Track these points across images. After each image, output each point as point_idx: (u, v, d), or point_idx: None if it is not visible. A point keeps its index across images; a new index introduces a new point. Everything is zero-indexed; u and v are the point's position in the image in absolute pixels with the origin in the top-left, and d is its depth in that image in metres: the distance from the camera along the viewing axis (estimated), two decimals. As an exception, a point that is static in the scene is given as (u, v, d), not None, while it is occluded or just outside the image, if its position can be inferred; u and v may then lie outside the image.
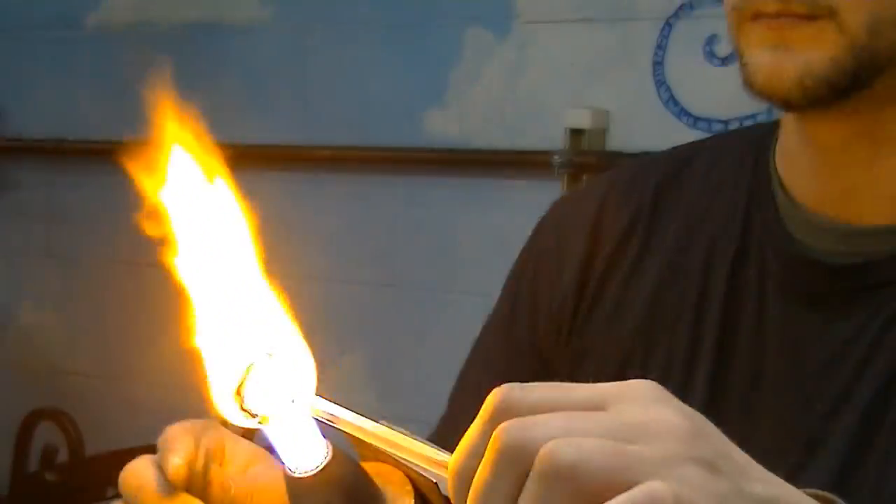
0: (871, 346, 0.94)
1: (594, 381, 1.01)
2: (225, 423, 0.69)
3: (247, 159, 2.95)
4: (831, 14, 0.89)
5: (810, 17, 0.90)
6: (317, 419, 0.68)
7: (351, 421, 0.68)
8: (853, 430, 0.93)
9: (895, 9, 0.90)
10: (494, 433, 0.59)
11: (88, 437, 2.47)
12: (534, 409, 0.60)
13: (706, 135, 1.92)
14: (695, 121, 2.41)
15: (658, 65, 2.46)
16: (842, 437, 0.93)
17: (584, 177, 2.44)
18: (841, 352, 0.95)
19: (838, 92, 0.91)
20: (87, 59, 3.13)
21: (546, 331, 1.09)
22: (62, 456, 2.37)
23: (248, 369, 0.67)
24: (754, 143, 1.06)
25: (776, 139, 1.04)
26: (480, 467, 0.59)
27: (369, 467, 0.76)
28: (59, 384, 3.21)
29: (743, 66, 0.94)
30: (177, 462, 0.78)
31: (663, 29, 2.47)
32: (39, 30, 3.22)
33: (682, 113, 2.43)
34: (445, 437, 1.02)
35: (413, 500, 0.75)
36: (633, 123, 2.48)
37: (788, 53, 0.90)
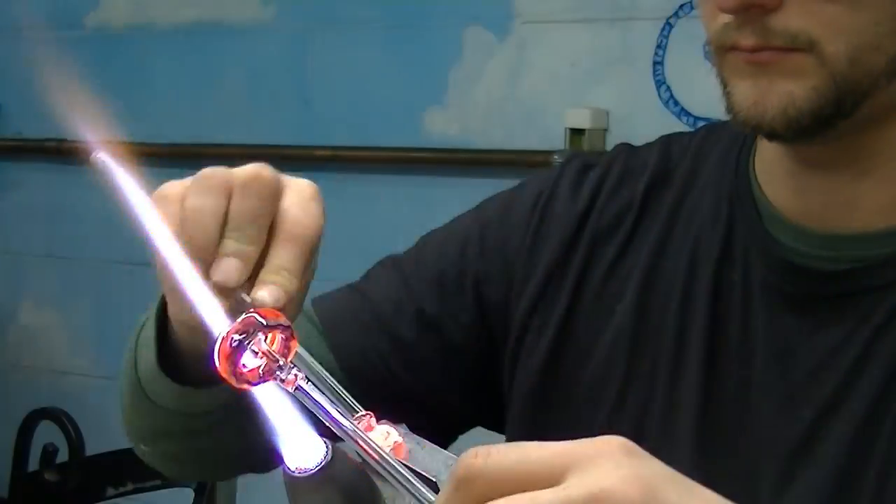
0: (861, 355, 0.93)
1: (575, 375, 1.02)
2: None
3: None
4: (810, 46, 0.88)
5: (789, 50, 0.88)
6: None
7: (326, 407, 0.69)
8: (848, 439, 0.91)
9: (872, 34, 0.88)
10: None
11: (88, 437, 2.46)
12: (496, 480, 0.61)
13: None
14: (695, 121, 2.41)
15: (658, 65, 2.46)
16: (834, 446, 0.92)
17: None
18: (829, 359, 0.94)
19: (822, 122, 0.89)
20: (87, 59, 3.13)
21: (505, 301, 1.09)
22: (62, 456, 2.36)
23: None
24: (737, 141, 1.04)
25: (756, 142, 1.02)
26: None
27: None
28: (59, 384, 3.21)
29: (726, 94, 0.92)
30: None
31: (663, 29, 2.47)
32: (39, 30, 3.22)
33: (682, 113, 2.43)
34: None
35: (413, 500, 0.75)
36: (633, 123, 2.48)
37: (771, 85, 0.89)
